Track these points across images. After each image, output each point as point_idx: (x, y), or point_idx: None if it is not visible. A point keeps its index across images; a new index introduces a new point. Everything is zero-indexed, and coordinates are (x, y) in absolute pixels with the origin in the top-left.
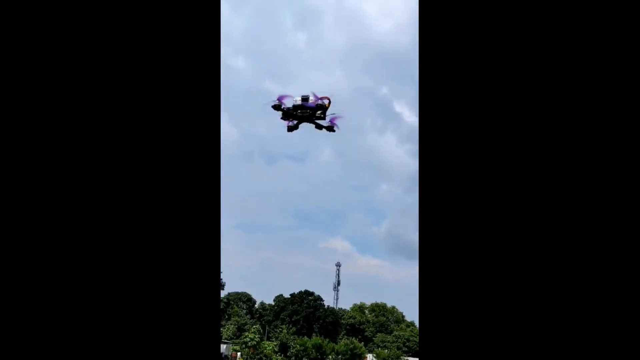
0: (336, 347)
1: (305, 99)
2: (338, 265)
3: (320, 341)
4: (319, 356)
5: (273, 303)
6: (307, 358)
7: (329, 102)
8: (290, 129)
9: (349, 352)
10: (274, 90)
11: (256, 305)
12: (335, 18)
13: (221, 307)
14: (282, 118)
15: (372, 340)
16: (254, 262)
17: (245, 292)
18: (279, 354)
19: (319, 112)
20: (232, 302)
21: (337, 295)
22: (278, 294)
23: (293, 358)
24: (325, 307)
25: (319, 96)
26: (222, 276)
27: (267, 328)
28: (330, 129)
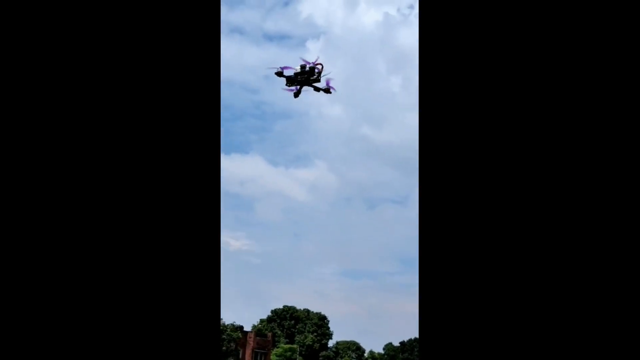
0: None
1: (302, 66)
2: None
3: None
4: None
5: (383, 352)
6: None
7: (322, 67)
8: (296, 94)
9: None
10: (371, 135)
11: (365, 354)
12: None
13: (330, 356)
14: (286, 84)
15: None
16: (361, 310)
17: (353, 341)
18: None
19: (315, 76)
20: (341, 352)
21: None
22: (387, 342)
23: None
24: None
25: (313, 62)
26: (330, 325)
27: None
28: (327, 91)
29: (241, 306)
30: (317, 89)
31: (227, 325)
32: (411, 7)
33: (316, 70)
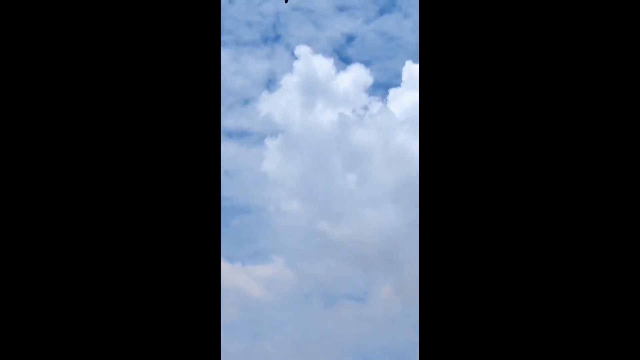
0: None
1: None
2: None
3: None
4: None
5: None
6: None
7: None
8: (286, 1)
9: None
10: (329, 231)
11: None
12: (383, 158)
13: None
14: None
15: None
16: None
17: None
18: None
19: None
20: None
21: None
22: None
23: None
24: None
25: None
26: None
27: None
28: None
29: None
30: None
31: None
32: (365, 108)
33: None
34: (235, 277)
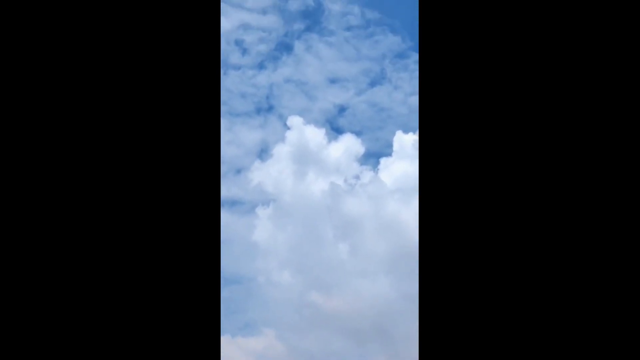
0: None
1: None
2: None
3: None
4: None
5: None
6: None
7: None
8: None
9: None
10: (321, 302)
11: None
12: (375, 227)
13: None
14: None
15: None
16: None
17: None
18: None
19: None
20: None
21: None
22: None
23: None
24: None
25: None
26: None
27: None
28: None
29: None
30: None
31: None
32: (357, 177)
33: None
34: (225, 350)
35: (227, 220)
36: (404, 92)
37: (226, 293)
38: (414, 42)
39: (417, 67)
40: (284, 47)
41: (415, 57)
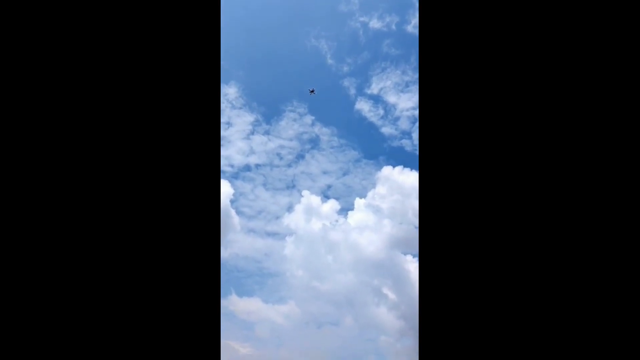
0: None
1: (311, 90)
2: None
3: None
4: None
5: None
6: None
7: (314, 91)
8: (312, 92)
9: None
10: (318, 286)
11: None
12: (345, 247)
13: None
14: (311, 90)
15: None
16: None
17: None
18: None
19: (313, 90)
20: None
21: None
22: None
23: None
24: None
25: (311, 89)
26: None
27: None
28: (312, 92)
29: None
30: (312, 91)
31: None
32: (336, 221)
33: (312, 92)
34: (268, 312)
35: (270, 243)
36: (360, 177)
37: (270, 282)
38: (364, 154)
39: (366, 167)
40: (300, 156)
41: (364, 161)
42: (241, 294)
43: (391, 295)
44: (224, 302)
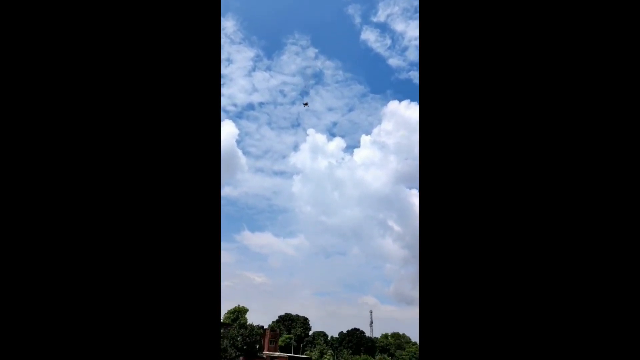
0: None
1: (305, 103)
2: (370, 312)
3: (365, 357)
4: None
5: (337, 336)
6: None
7: (307, 104)
8: (305, 104)
9: None
10: (326, 220)
11: (329, 337)
12: (351, 184)
13: (310, 340)
14: (304, 104)
15: (394, 355)
16: (325, 314)
17: (322, 331)
18: None
19: (306, 103)
20: (316, 337)
21: (372, 329)
22: (340, 331)
23: None
24: (366, 336)
25: (305, 102)
26: (310, 323)
27: (335, 352)
28: (306, 104)
29: (263, 314)
30: (306, 104)
31: (254, 325)
32: (342, 159)
33: (306, 104)
34: (279, 245)
35: (278, 181)
36: (366, 113)
37: (280, 217)
38: (371, 87)
39: (372, 103)
40: (305, 93)
41: (370, 96)
42: (253, 229)
43: (396, 227)
44: (237, 238)
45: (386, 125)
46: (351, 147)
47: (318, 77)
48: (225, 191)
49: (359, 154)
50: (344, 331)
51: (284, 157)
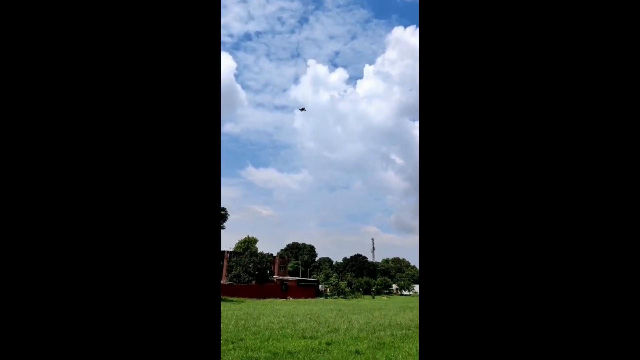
0: (376, 281)
1: (302, 108)
2: (372, 240)
3: (367, 279)
4: (368, 287)
5: (342, 261)
6: (362, 288)
7: (305, 109)
8: (302, 109)
9: (383, 283)
10: (329, 155)
11: (334, 263)
12: (354, 117)
13: (316, 265)
14: (301, 109)
15: (394, 277)
16: (329, 242)
17: (328, 257)
18: (347, 287)
19: (303, 108)
20: (321, 263)
21: (374, 255)
22: (344, 257)
23: (355, 289)
24: (368, 261)
25: (301, 107)
26: (316, 251)
27: (340, 275)
28: (303, 109)
29: (271, 244)
30: (303, 109)
31: (264, 253)
32: (345, 91)
33: (303, 109)
34: (284, 180)
35: (279, 116)
36: (369, 41)
37: (282, 153)
38: (375, 12)
39: (376, 29)
40: (304, 19)
41: (374, 21)
42: (257, 165)
43: (398, 160)
44: (242, 173)
45: (390, 54)
46: (354, 79)
47: (318, 2)
48: (227, 128)
49: (362, 86)
50: (348, 257)
51: (285, 90)
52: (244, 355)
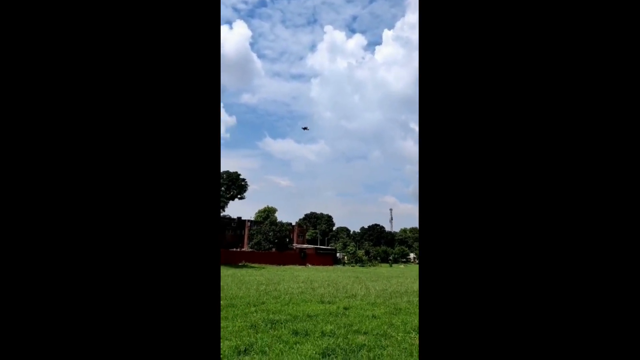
0: (394, 251)
1: (304, 127)
2: (390, 209)
3: (385, 249)
4: (386, 256)
5: (359, 231)
6: (379, 257)
7: (307, 128)
8: (305, 129)
9: (400, 252)
10: (346, 125)
11: (351, 232)
12: (372, 85)
13: (334, 235)
14: (303, 128)
15: (412, 246)
16: (347, 212)
17: (345, 227)
18: (365, 255)
19: (306, 127)
20: (339, 232)
21: (392, 225)
22: (362, 226)
23: (372, 258)
24: (386, 231)
25: (304, 126)
26: (334, 220)
27: (357, 244)
28: (305, 128)
29: (290, 214)
30: (305, 128)
31: (284, 222)
32: (363, 58)
33: (306, 128)
34: (301, 151)
35: (296, 86)
36: (389, 4)
37: (300, 123)
38: None
39: None
40: None
41: None
42: (275, 136)
43: (417, 129)
44: (260, 145)
45: (410, 17)
46: (372, 45)
47: None
48: (245, 98)
49: (381, 52)
50: (365, 226)
51: (301, 58)
52: (266, 317)
